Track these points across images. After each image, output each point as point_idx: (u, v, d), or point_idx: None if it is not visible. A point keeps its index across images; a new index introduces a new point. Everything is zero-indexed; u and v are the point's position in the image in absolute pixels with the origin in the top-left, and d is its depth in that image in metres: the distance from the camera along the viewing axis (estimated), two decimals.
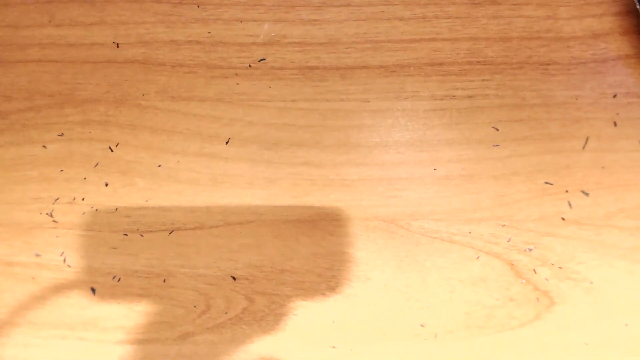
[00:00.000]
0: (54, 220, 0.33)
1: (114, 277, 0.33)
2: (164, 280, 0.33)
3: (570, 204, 0.31)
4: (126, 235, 0.33)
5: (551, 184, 0.31)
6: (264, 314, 0.32)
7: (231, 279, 0.33)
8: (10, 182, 0.34)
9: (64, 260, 0.33)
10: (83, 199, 0.33)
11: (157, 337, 0.32)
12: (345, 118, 0.34)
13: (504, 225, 0.32)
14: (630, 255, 0.30)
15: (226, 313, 0.32)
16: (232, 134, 0.34)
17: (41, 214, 0.33)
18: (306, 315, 0.32)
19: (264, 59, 0.34)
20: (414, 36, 0.32)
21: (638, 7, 0.31)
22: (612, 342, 0.31)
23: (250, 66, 0.34)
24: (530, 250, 0.31)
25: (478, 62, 0.31)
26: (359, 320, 0.32)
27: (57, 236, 0.33)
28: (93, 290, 0.33)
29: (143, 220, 0.33)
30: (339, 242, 0.33)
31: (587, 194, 0.31)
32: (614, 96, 0.31)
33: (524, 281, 0.31)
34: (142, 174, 0.34)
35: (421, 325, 0.32)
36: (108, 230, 0.33)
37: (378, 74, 0.34)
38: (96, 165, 0.34)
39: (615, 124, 0.30)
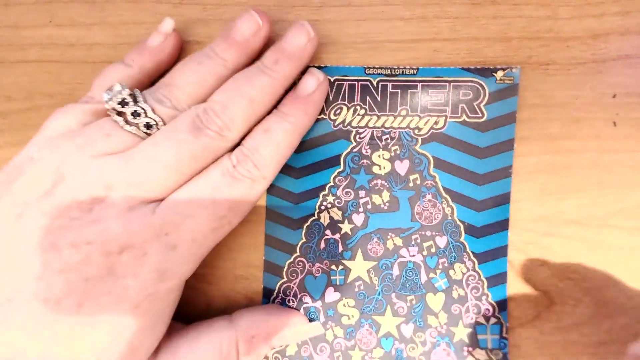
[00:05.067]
0: None
1: None
2: None
3: (570, 204, 0.31)
4: None
5: (551, 184, 0.31)
6: None
7: (231, 279, 0.33)
8: None
9: None
10: None
11: None
12: None
13: None
14: (630, 255, 0.30)
15: (227, 313, 0.32)
16: None
17: None
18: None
19: None
20: (414, 36, 0.31)
21: None
22: (612, 342, 0.31)
23: None
24: (530, 250, 0.31)
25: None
26: None
27: None
28: None
29: None
30: None
31: (587, 194, 0.31)
32: (614, 96, 0.30)
33: (523, 281, 0.31)
34: None
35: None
36: None
37: None
38: None
39: (615, 124, 0.30)
